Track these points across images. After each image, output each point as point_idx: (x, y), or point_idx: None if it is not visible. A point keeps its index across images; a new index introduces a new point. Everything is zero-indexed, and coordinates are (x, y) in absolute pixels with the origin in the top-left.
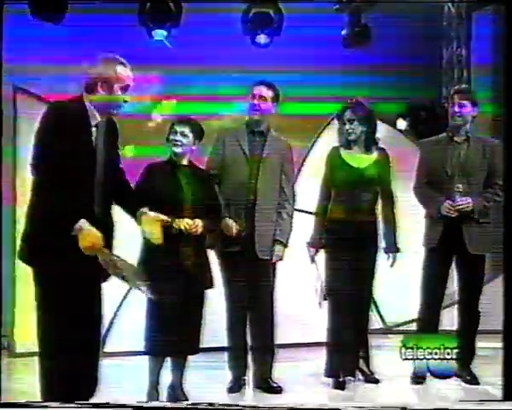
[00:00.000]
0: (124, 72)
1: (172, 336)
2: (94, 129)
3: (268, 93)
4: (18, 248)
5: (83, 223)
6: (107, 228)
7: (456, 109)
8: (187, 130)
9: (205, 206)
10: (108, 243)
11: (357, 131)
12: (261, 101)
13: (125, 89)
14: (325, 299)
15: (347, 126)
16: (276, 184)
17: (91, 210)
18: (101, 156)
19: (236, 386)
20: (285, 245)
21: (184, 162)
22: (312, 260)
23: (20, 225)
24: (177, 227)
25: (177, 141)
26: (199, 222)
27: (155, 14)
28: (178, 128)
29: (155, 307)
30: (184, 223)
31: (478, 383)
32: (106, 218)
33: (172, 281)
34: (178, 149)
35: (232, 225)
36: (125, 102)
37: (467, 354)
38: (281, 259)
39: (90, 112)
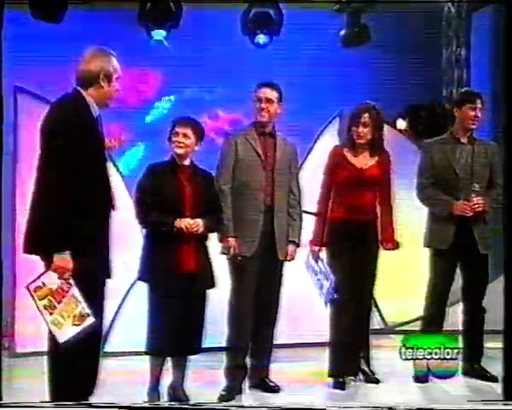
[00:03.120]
0: (117, 64)
1: (173, 335)
2: (98, 119)
3: (273, 94)
4: (29, 240)
5: None
6: None
7: (478, 114)
8: (189, 131)
9: (206, 206)
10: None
11: (368, 135)
12: (268, 104)
13: (119, 79)
14: (332, 298)
15: (360, 129)
16: (288, 186)
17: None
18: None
19: (230, 394)
20: (298, 245)
21: (186, 163)
22: (317, 259)
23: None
24: (178, 227)
25: (179, 143)
26: (199, 221)
27: (155, 14)
28: (180, 129)
29: (157, 307)
30: (186, 222)
31: (496, 380)
32: None
33: (174, 280)
34: (181, 151)
35: (232, 246)
36: (117, 91)
37: (476, 352)
38: (293, 258)
39: (91, 105)
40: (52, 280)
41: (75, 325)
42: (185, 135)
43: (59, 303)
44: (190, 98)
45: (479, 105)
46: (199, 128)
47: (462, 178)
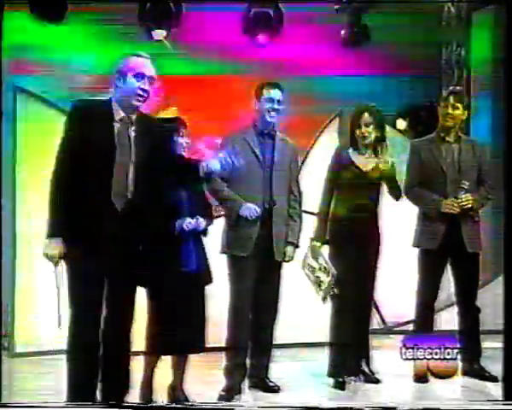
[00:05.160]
0: (134, 61)
1: (177, 335)
2: (117, 124)
3: (282, 96)
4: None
5: None
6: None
7: (449, 111)
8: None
9: (199, 204)
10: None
11: (372, 135)
12: (280, 105)
13: (139, 77)
14: (332, 293)
15: (363, 129)
16: (287, 186)
17: (109, 202)
18: (127, 150)
19: (230, 394)
20: (297, 246)
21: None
22: (317, 255)
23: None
24: (180, 227)
25: (188, 143)
26: (201, 219)
27: (155, 14)
28: (186, 131)
29: (159, 308)
30: (187, 222)
31: (496, 380)
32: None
33: (175, 281)
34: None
35: (252, 207)
36: (143, 90)
37: (474, 352)
38: (292, 259)
39: (114, 108)
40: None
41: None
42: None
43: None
44: None
45: (451, 101)
46: None
47: (449, 177)
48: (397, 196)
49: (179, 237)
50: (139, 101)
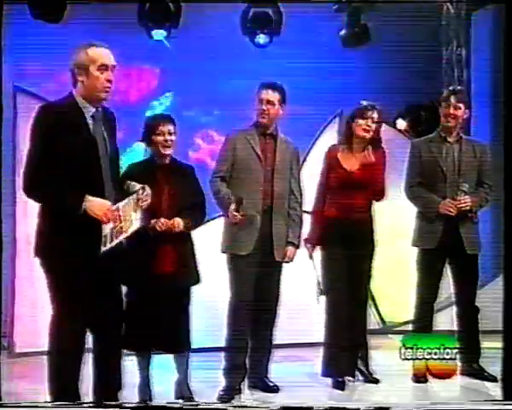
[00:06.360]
0: (96, 52)
1: (156, 334)
2: (90, 121)
3: (275, 96)
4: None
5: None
6: None
7: (451, 111)
8: (172, 128)
9: (188, 202)
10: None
11: (370, 133)
12: (269, 106)
13: (103, 69)
14: (321, 294)
15: (369, 123)
16: (288, 187)
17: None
18: (103, 145)
19: (229, 394)
20: (297, 246)
21: (166, 161)
22: (310, 257)
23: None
24: (152, 227)
25: (167, 141)
26: (178, 220)
27: (155, 14)
28: (165, 128)
29: (137, 307)
30: (159, 223)
31: (495, 380)
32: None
33: (153, 281)
34: (170, 151)
35: (235, 213)
36: (109, 81)
37: (474, 352)
38: (292, 260)
39: (81, 104)
40: None
41: None
42: (170, 132)
43: None
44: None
45: (453, 101)
46: (175, 123)
47: (448, 177)
48: (377, 199)
49: (155, 237)
50: (107, 92)
